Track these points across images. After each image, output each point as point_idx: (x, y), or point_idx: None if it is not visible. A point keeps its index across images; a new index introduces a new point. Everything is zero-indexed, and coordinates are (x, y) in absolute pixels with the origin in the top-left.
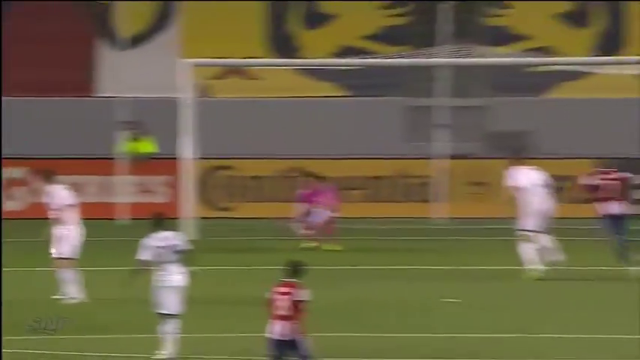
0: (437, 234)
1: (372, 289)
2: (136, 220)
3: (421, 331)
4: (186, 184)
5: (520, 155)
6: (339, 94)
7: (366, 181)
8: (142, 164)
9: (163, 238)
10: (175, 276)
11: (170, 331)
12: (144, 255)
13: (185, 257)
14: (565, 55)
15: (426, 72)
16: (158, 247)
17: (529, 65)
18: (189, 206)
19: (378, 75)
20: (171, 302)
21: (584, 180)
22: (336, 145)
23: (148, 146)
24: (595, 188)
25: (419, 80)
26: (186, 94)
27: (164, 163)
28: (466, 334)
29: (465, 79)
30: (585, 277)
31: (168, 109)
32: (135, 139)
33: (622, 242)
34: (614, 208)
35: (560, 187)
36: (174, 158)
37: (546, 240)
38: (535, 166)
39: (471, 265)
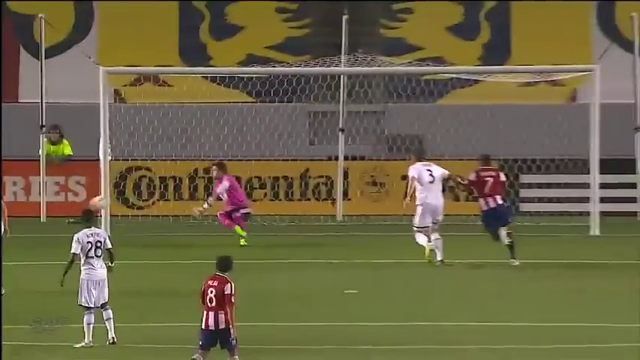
0: (337, 230)
1: (277, 281)
2: (55, 218)
3: (324, 320)
4: (102, 184)
5: (419, 154)
6: (247, 100)
7: (272, 181)
8: (61, 165)
9: (91, 234)
10: (100, 270)
11: (92, 321)
12: (76, 249)
13: (108, 253)
14: (455, 64)
15: (327, 80)
16: (87, 241)
17: (423, 74)
18: (106, 205)
19: (283, 82)
20: (99, 294)
21: (469, 177)
22: (244, 148)
23: (66, 149)
24: (474, 184)
25: (321, 87)
26: (102, 100)
27: (82, 164)
28: (367, 323)
29: (364, 86)
30: (475, 268)
31: (86, 113)
32: (54, 142)
33: (495, 231)
34: (491, 202)
35: (451, 186)
36: (92, 160)
37: (436, 236)
38: (431, 163)
39: (368, 259)
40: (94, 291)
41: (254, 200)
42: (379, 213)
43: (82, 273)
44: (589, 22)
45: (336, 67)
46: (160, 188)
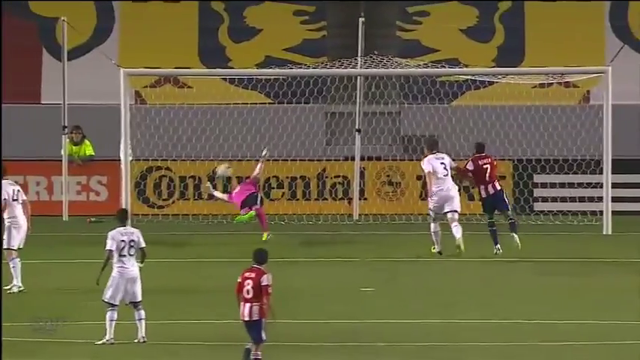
0: (354, 229)
1: (294, 279)
2: (77, 217)
3: (340, 318)
4: (123, 184)
5: (431, 146)
6: (265, 102)
7: (289, 181)
8: (83, 165)
9: (125, 233)
10: (132, 268)
11: (114, 318)
12: (111, 246)
13: (141, 252)
14: (470, 66)
15: (344, 81)
16: (121, 240)
17: (438, 75)
18: (126, 204)
19: (300, 84)
20: (128, 292)
21: (467, 166)
22: (262, 148)
23: (88, 149)
24: (473, 173)
25: (337, 89)
26: (123, 101)
27: (103, 164)
28: (383, 320)
29: (380, 87)
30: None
31: (107, 114)
32: (76, 142)
33: (508, 216)
34: (490, 188)
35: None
36: (113, 160)
37: (455, 224)
38: (443, 155)
39: (384, 257)
40: (122, 289)
41: (272, 200)
42: (395, 212)
43: (114, 270)
44: (602, 24)
45: (353, 69)
46: (180, 188)
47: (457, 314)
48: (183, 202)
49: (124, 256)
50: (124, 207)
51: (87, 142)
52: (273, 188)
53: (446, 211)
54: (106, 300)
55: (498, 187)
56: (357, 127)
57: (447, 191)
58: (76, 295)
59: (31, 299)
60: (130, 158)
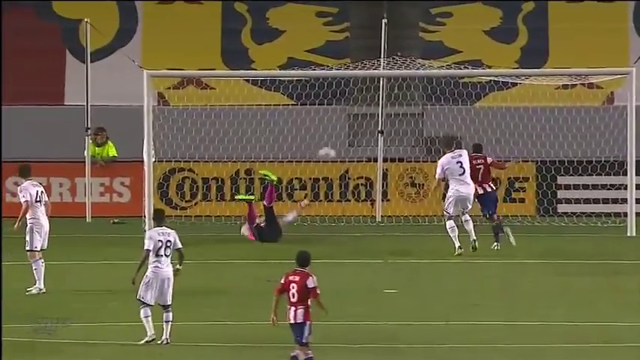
0: (377, 231)
1: (318, 280)
2: (100, 219)
3: (364, 319)
4: (146, 185)
5: (447, 144)
6: (287, 103)
7: (312, 182)
8: (106, 167)
9: (162, 233)
10: (166, 268)
11: (149, 313)
12: (149, 245)
13: (178, 253)
14: (493, 67)
15: (367, 82)
16: (158, 240)
17: (461, 76)
18: (150, 205)
19: (323, 85)
20: (162, 293)
21: None
22: (285, 149)
23: (111, 150)
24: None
25: (360, 90)
26: (146, 102)
27: (126, 165)
28: (406, 322)
29: (402, 88)
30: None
31: (130, 116)
32: (99, 143)
33: (492, 216)
34: (479, 190)
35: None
36: (136, 161)
37: (466, 218)
38: (461, 152)
39: (407, 259)
40: (157, 289)
41: (294, 201)
42: (418, 214)
43: (149, 270)
44: (626, 25)
45: (376, 70)
46: (203, 189)
47: (479, 316)
48: (206, 204)
49: (161, 256)
50: (160, 208)
51: (110, 143)
52: (296, 189)
53: (461, 209)
54: (140, 298)
55: (489, 189)
56: (379, 128)
57: (465, 190)
58: (98, 296)
59: (52, 300)
60: (153, 159)
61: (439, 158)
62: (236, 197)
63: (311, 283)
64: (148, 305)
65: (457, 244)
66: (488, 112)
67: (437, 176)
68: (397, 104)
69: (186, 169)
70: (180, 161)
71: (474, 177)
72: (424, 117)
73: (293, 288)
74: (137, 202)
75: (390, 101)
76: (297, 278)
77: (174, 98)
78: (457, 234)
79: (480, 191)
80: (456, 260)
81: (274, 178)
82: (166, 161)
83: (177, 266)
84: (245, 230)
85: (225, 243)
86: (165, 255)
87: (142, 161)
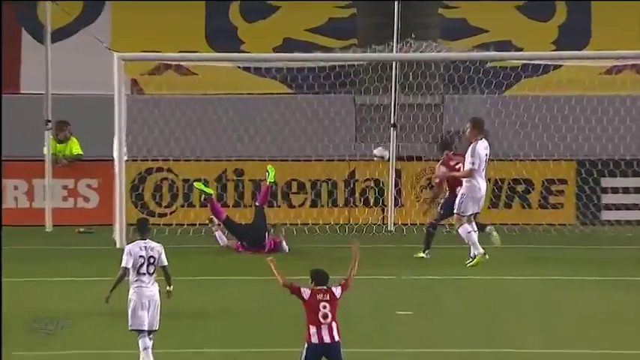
0: (388, 241)
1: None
2: (63, 227)
3: (372, 346)
4: (117, 188)
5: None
6: (284, 92)
7: (313, 185)
8: (70, 167)
9: (145, 247)
10: (151, 287)
11: (148, 345)
12: (127, 262)
13: (164, 272)
14: (526, 49)
15: (377, 68)
16: (140, 255)
17: (487, 60)
18: (121, 212)
19: (325, 71)
20: (148, 317)
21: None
22: (281, 146)
23: (75, 147)
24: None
25: (369, 77)
26: (117, 91)
27: (94, 165)
28: (422, 350)
29: (419, 75)
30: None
31: (98, 107)
32: (62, 139)
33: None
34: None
35: (521, 190)
36: (106, 160)
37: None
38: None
39: (424, 275)
40: (144, 312)
41: (291, 207)
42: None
43: (131, 291)
44: None
45: (388, 54)
46: (184, 192)
47: (510, 342)
48: (188, 210)
49: (143, 274)
50: (144, 217)
51: (74, 139)
52: (294, 193)
53: (475, 210)
54: (132, 328)
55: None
56: (392, 121)
57: (484, 190)
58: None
59: (5, 324)
60: (125, 158)
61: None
62: (194, 184)
63: (337, 292)
64: (144, 333)
65: (481, 250)
66: (519, 102)
67: (472, 166)
68: (412, 93)
69: (165, 169)
70: (158, 160)
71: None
72: (444, 108)
73: (325, 308)
74: (106, 208)
75: (404, 90)
76: (327, 297)
77: (150, 86)
78: (476, 239)
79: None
80: (482, 276)
81: (272, 178)
82: (141, 160)
83: (168, 288)
84: (223, 239)
85: (212, 255)
86: (149, 273)
87: (113, 160)
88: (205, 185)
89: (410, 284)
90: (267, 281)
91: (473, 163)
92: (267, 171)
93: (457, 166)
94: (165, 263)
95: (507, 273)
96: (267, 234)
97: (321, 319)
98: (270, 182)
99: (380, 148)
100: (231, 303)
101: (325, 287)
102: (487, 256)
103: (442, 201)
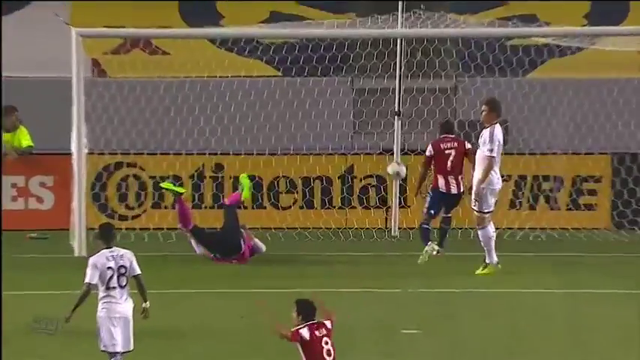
0: (392, 249)
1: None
2: (12, 232)
3: None
4: (75, 186)
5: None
6: (269, 74)
7: (304, 183)
8: (19, 161)
9: (113, 257)
10: (124, 304)
11: None
12: (92, 277)
13: (137, 283)
14: (553, 24)
15: (379, 46)
16: (108, 267)
17: (508, 37)
18: (80, 215)
19: (318, 49)
20: (121, 337)
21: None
22: (266, 138)
23: (24, 138)
24: (431, 158)
25: (370, 56)
26: (76, 73)
27: (48, 159)
28: None
29: (428, 54)
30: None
31: (53, 91)
32: (9, 129)
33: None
34: (453, 185)
35: (548, 189)
36: (62, 154)
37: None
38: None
39: (433, 287)
40: (116, 330)
41: (279, 208)
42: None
43: (99, 308)
44: None
45: (391, 29)
46: (153, 192)
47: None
48: (158, 212)
49: (113, 288)
50: (107, 222)
51: (23, 129)
52: (282, 193)
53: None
54: (104, 349)
55: (462, 189)
56: (396, 108)
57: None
58: (10, 341)
59: None
60: (86, 151)
61: (477, 148)
62: (160, 185)
63: (329, 325)
64: (118, 356)
65: (495, 260)
66: (545, 86)
67: (490, 153)
68: (420, 76)
69: (131, 165)
70: (122, 153)
71: (441, 168)
72: (458, 93)
73: (327, 344)
74: (63, 210)
75: (410, 72)
76: (324, 331)
77: (115, 67)
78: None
79: (444, 188)
80: (501, 288)
81: (246, 193)
82: (104, 154)
83: (144, 304)
84: (199, 246)
85: (187, 264)
86: (120, 286)
87: (71, 154)
88: (175, 185)
89: (417, 298)
90: (248, 294)
91: (491, 150)
92: (240, 182)
93: (447, 152)
94: (138, 272)
95: (530, 285)
96: (242, 240)
97: (326, 357)
98: (244, 198)
99: (394, 163)
100: (211, 320)
101: (316, 321)
102: (500, 267)
103: (428, 197)
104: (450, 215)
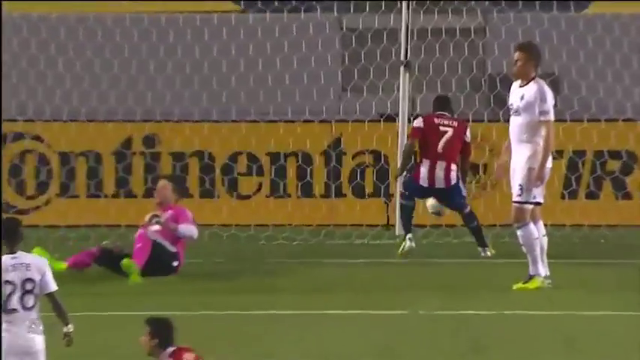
0: (395, 252)
1: (279, 345)
2: None
3: None
4: None
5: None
6: (230, 10)
7: (273, 161)
8: None
9: (15, 266)
10: (31, 334)
11: None
12: None
13: (52, 302)
14: None
15: None
16: (6, 280)
17: None
18: None
19: None
20: None
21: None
22: (222, 101)
23: None
24: (418, 133)
25: None
26: None
27: None
28: None
29: None
30: None
31: None
32: None
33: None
34: (436, 168)
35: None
36: None
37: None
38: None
39: (448, 306)
40: None
41: (239, 197)
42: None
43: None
44: None
45: None
46: (61, 174)
47: None
48: (68, 200)
49: (13, 311)
50: (11, 216)
51: None
52: (243, 174)
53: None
54: None
55: (454, 180)
56: (401, 57)
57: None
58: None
59: None
60: None
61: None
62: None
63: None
64: None
65: (541, 272)
66: (611, 25)
67: (548, 117)
68: (436, 11)
69: (30, 137)
70: (20, 121)
71: (430, 150)
72: (486, 36)
73: None
74: None
75: (421, 7)
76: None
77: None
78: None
79: (425, 183)
80: (544, 310)
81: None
82: None
83: (65, 328)
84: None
85: (100, 274)
86: (24, 308)
87: None
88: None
89: (431, 323)
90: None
91: (547, 113)
92: (124, 268)
93: (441, 129)
94: (54, 288)
95: (586, 305)
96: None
97: None
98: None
99: (433, 201)
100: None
101: (178, 346)
102: (549, 283)
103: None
104: (467, 210)
